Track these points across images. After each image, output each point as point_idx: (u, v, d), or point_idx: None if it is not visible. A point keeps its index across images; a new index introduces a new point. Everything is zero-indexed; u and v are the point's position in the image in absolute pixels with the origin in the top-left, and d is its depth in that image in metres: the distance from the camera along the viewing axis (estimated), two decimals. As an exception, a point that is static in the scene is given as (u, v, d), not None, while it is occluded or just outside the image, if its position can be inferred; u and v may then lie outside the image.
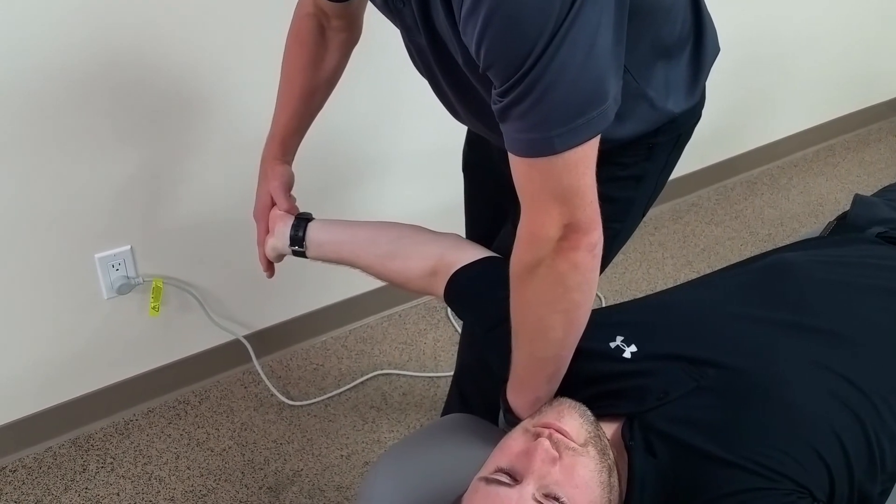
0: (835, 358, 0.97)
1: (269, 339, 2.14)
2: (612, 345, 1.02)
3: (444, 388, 2.12)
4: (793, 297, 1.05)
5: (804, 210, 2.76)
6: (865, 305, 1.04)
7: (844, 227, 1.26)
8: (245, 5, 1.67)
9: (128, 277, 1.79)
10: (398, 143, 2.09)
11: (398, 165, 2.12)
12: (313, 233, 1.26)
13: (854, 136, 3.19)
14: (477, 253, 1.19)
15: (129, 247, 1.77)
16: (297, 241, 1.26)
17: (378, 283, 2.22)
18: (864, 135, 3.20)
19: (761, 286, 1.08)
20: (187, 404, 2.03)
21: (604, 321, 1.08)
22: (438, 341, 2.26)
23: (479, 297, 1.14)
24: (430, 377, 2.15)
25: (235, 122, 1.79)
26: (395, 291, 2.29)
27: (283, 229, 1.27)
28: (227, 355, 2.08)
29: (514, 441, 0.94)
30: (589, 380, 1.01)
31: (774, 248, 1.23)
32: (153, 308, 1.85)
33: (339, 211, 2.04)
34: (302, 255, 1.27)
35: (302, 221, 1.27)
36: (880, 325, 1.02)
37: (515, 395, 1.04)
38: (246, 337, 2.07)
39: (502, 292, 1.14)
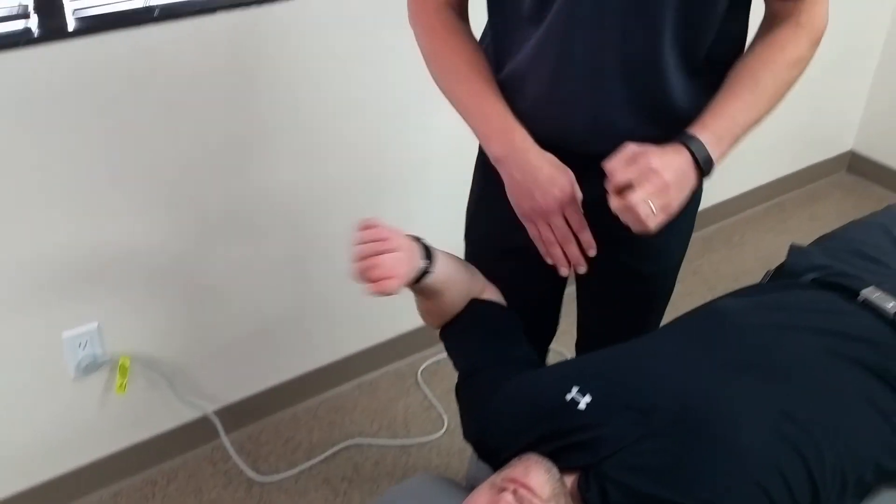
0: (774, 396, 1.02)
1: (238, 414, 2.14)
2: (568, 397, 1.06)
3: (416, 455, 2.13)
4: (732, 341, 1.10)
5: (757, 265, 2.83)
6: (801, 345, 1.09)
7: (782, 274, 1.33)
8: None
9: (94, 356, 1.80)
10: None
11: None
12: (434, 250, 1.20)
13: (803, 193, 3.30)
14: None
15: (95, 324, 1.79)
16: (428, 255, 1.18)
17: (348, 351, 2.26)
18: (812, 191, 3.32)
19: (704, 333, 1.13)
20: (155, 485, 2.01)
21: (560, 373, 1.14)
22: (409, 408, 2.27)
23: (467, 343, 1.21)
24: (401, 445, 2.16)
25: (203, 194, 1.83)
26: (364, 358, 2.31)
27: (412, 244, 1.18)
28: (195, 432, 2.07)
29: (480, 496, 0.97)
30: (547, 437, 1.05)
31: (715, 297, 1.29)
32: (120, 386, 1.85)
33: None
34: (426, 271, 1.18)
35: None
36: (815, 364, 1.07)
37: (724, 143, 1.09)
38: (215, 412, 2.07)
39: (491, 342, 1.20)
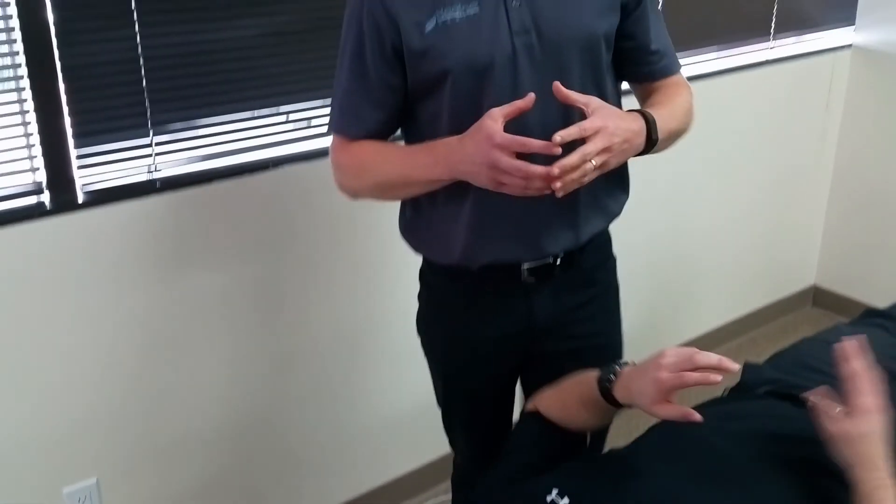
0: (734, 500, 1.11)
1: (233, 569, 2.15)
2: (549, 498, 1.15)
3: None
4: (694, 450, 1.21)
5: (736, 397, 2.92)
6: (756, 450, 1.19)
7: (738, 388, 1.44)
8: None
9: (93, 512, 1.84)
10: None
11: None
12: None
13: (773, 327, 3.44)
14: None
15: (94, 479, 1.84)
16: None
17: (338, 500, 2.29)
18: (781, 325, 3.46)
19: (668, 443, 1.24)
20: None
21: (543, 478, 1.22)
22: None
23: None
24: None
25: (199, 351, 1.94)
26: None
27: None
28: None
29: None
30: None
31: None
32: (117, 542, 1.88)
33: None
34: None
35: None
36: (771, 467, 1.17)
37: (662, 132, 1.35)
38: (209, 568, 2.08)
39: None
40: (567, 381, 1.38)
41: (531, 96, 1.23)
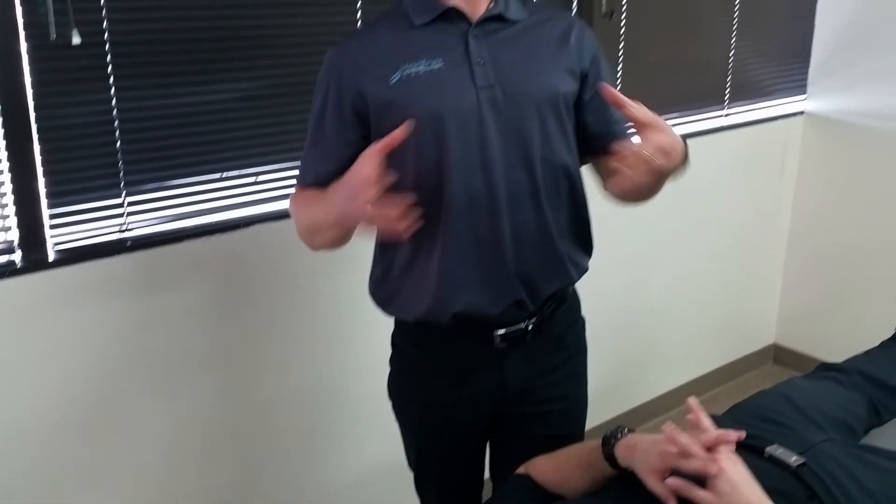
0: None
1: None
2: None
3: None
4: (651, 501, 1.24)
5: (701, 455, 2.94)
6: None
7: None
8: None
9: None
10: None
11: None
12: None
13: (734, 385, 3.49)
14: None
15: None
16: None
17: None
18: (742, 383, 3.51)
19: (632, 495, 1.27)
20: None
21: None
22: None
23: None
24: None
25: (175, 407, 1.93)
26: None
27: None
28: None
29: None
30: None
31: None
32: None
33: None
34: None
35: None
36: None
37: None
38: None
39: None
40: (565, 448, 1.44)
41: (406, 125, 1.28)
